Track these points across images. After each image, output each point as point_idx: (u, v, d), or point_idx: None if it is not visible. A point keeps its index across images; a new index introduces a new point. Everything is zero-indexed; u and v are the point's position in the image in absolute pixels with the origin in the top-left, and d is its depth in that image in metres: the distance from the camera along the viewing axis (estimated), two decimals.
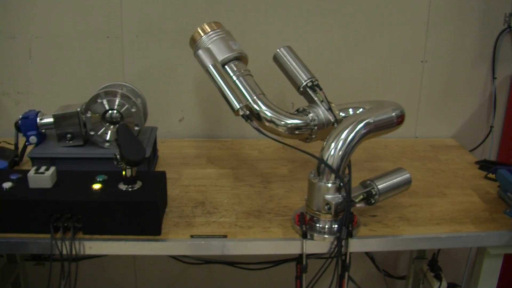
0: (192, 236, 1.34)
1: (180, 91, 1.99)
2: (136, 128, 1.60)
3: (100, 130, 1.60)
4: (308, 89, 1.49)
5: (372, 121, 1.36)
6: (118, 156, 1.33)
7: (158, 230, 1.34)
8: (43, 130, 1.63)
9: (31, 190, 1.33)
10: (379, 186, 1.38)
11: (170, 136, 2.03)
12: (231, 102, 1.41)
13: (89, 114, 1.57)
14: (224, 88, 1.42)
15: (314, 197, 1.34)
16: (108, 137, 1.60)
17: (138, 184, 1.37)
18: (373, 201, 1.38)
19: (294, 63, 1.51)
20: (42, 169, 1.37)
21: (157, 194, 1.33)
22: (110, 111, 1.58)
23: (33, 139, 1.61)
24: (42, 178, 1.34)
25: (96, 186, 1.36)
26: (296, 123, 1.45)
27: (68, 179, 1.39)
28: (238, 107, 1.41)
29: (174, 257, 1.97)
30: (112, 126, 1.60)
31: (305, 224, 1.35)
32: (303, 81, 1.49)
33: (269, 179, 1.68)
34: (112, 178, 1.39)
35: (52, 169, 1.38)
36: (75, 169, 1.52)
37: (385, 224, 1.42)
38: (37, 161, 1.57)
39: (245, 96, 1.45)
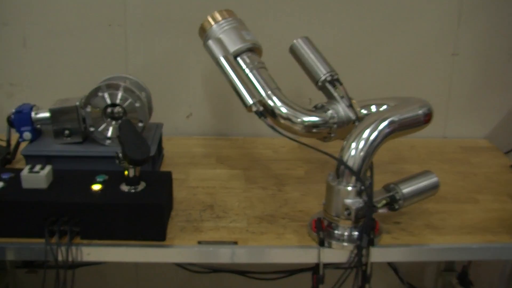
0: (199, 242, 1.35)
1: (188, 85, 2.00)
2: (140, 124, 1.60)
3: (101, 126, 1.61)
4: (327, 84, 1.49)
5: (396, 119, 1.36)
6: (120, 155, 1.33)
7: (163, 236, 1.34)
8: (38, 126, 1.63)
9: (24, 190, 1.33)
10: (404, 191, 1.38)
11: (176, 133, 2.04)
12: (243, 97, 1.42)
13: (89, 109, 1.58)
14: (236, 82, 1.43)
15: (333, 202, 1.34)
16: (109, 134, 1.61)
17: (142, 185, 1.37)
18: (397, 207, 1.38)
19: (312, 55, 1.51)
20: (37, 168, 1.37)
21: (162, 196, 1.34)
22: (112, 106, 1.59)
23: (27, 135, 1.62)
24: (36, 177, 1.34)
25: (96, 186, 1.36)
26: (314, 121, 1.46)
27: (65, 179, 1.39)
28: (251, 102, 1.41)
29: (179, 265, 1.98)
30: (114, 122, 1.61)
31: (322, 231, 1.35)
32: (322, 75, 1.49)
33: (284, 181, 1.69)
34: (113, 179, 1.40)
35: (48, 168, 1.38)
36: (73, 168, 1.52)
37: (410, 232, 1.42)
38: (32, 159, 1.57)
39: (259, 91, 1.46)
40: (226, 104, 2.02)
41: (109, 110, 1.58)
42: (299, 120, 1.45)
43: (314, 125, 1.45)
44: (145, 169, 1.43)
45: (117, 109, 1.58)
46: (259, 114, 1.41)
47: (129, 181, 1.36)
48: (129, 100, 1.57)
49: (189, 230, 1.40)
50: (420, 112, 1.41)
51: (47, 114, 1.61)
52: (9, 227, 1.30)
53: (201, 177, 1.69)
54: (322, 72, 1.49)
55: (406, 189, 1.38)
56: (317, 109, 1.49)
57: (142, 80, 1.70)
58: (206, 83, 1.99)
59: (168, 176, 1.46)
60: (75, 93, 1.66)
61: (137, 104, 1.58)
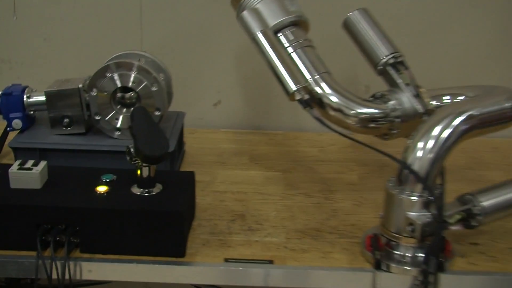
0: (226, 260, 1.35)
1: (216, 66, 2.01)
2: (157, 113, 1.61)
3: (109, 114, 1.62)
4: (389, 68, 1.50)
5: (476, 113, 1.35)
6: (132, 150, 1.34)
7: (182, 250, 1.35)
8: (32, 112, 1.66)
9: (12, 191, 1.35)
10: (484, 203, 1.37)
11: (201, 125, 2.06)
12: (285, 83, 1.42)
13: (94, 93, 1.59)
14: (276, 64, 1.44)
15: (393, 214, 1.35)
16: (119, 124, 1.63)
17: (158, 188, 1.38)
18: (474, 224, 1.38)
19: (371, 32, 1.52)
20: (29, 163, 1.39)
21: (183, 201, 1.35)
22: (122, 90, 1.60)
23: (17, 123, 1.64)
24: (28, 176, 1.36)
25: (101, 188, 1.37)
26: (372, 113, 1.47)
27: (64, 178, 1.41)
28: (294, 89, 1.42)
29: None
30: (124, 110, 1.62)
31: (379, 250, 1.35)
32: (383, 57, 1.50)
33: (332, 187, 1.70)
34: (122, 179, 1.42)
35: (42, 164, 1.40)
36: (73, 165, 1.54)
37: (491, 257, 1.40)
38: (22, 153, 1.60)
39: (304, 75, 1.46)
40: (262, 90, 2.04)
41: (119, 95, 1.60)
42: (352, 112, 1.46)
43: (371, 118, 1.46)
44: (162, 168, 1.44)
45: (129, 94, 1.60)
46: (304, 103, 1.41)
47: (142, 182, 1.37)
48: (144, 83, 1.58)
49: (214, 245, 1.41)
50: (507, 105, 1.40)
51: (42, 98, 1.62)
52: None
53: (230, 179, 1.71)
54: (384, 53, 1.50)
55: (487, 201, 1.38)
56: (375, 98, 1.49)
57: (160, 59, 1.70)
58: (239, 64, 2.01)
59: (189, 177, 1.47)
60: (77, 73, 1.68)
61: (154, 88, 1.59)
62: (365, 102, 1.47)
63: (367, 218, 1.53)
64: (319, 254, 1.39)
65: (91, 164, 1.58)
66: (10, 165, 1.38)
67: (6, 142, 1.68)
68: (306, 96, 1.42)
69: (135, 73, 1.57)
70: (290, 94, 1.42)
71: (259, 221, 1.51)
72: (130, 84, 1.58)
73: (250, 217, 1.53)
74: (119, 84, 1.58)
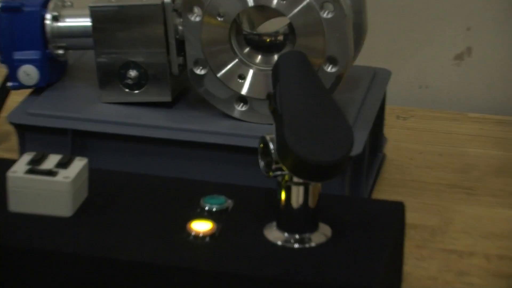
0: None
1: None
2: (331, 68, 1.25)
3: (226, 65, 1.27)
4: None
5: None
6: (272, 147, 0.99)
7: None
8: (60, 51, 1.31)
9: (11, 221, 1.04)
10: None
11: (424, 101, 1.74)
12: None
13: (197, 17, 1.24)
14: None
15: None
16: (245, 89, 1.27)
17: (322, 233, 1.02)
18: None
19: None
20: (50, 161, 1.05)
21: (378, 269, 1.00)
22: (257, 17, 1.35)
23: (29, 72, 1.30)
24: (48, 188, 1.04)
25: (201, 226, 1.03)
26: None
27: (122, 198, 1.11)
28: None
29: None
30: (259, 58, 1.29)
31: None
32: None
33: None
34: (246, 207, 1.09)
35: (79, 164, 1.06)
36: (139, 169, 1.22)
37: None
38: (37, 138, 1.29)
39: None
40: None
41: (247, 29, 1.34)
42: None
43: None
44: (333, 191, 1.19)
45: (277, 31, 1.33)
46: None
47: (290, 219, 1.02)
48: (305, 2, 1.23)
49: None
50: None
51: (84, 22, 1.28)
52: None
53: (484, 226, 1.32)
54: None
55: None
56: None
57: None
58: None
59: (393, 214, 1.12)
60: None
61: (326, 14, 1.23)
62: None
63: None
64: None
65: (179, 171, 1.24)
66: (9, 162, 1.08)
67: (4, 113, 1.36)
68: None
69: None
70: None
71: None
72: (275, 1, 1.22)
73: None
74: (251, 2, 1.22)
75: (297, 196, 0.98)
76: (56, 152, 1.07)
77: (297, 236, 0.99)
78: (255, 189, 1.12)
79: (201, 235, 0.99)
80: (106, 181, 1.13)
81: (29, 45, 1.29)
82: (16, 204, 1.01)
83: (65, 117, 1.27)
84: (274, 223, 1.01)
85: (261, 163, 0.99)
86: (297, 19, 1.22)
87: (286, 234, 0.99)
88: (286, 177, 0.98)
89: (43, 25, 1.29)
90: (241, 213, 1.07)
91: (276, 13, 1.24)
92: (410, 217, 1.16)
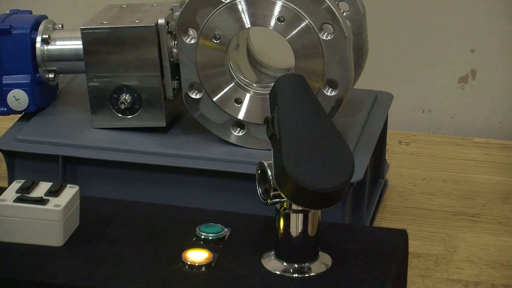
0: None
1: None
2: (331, 92, 1.28)
3: (222, 89, 1.29)
4: None
5: None
6: (269, 173, 1.01)
7: None
8: (50, 75, 1.32)
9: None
10: None
11: (428, 124, 1.77)
12: None
13: (192, 39, 1.27)
14: None
15: None
16: (241, 114, 1.28)
17: (321, 263, 1.04)
18: None
19: None
20: (40, 189, 1.06)
21: None
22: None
23: (18, 97, 1.31)
24: (37, 216, 1.04)
25: (196, 255, 1.02)
26: None
27: (114, 226, 1.11)
28: None
29: None
30: (255, 82, 1.33)
31: None
32: None
33: None
34: (242, 236, 1.09)
35: (71, 192, 1.06)
36: (132, 196, 1.22)
37: None
38: (26, 164, 1.31)
39: None
40: None
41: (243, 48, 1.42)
42: None
43: None
44: (333, 219, 1.20)
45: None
46: None
47: (289, 248, 1.03)
48: (304, 23, 1.25)
49: None
50: None
51: (75, 45, 1.30)
52: None
53: (490, 254, 1.33)
54: None
55: None
56: None
57: None
58: None
59: (395, 243, 1.13)
60: None
61: (326, 36, 1.26)
62: None
63: None
64: None
65: (174, 199, 1.24)
66: None
67: None
68: None
69: (282, 1, 1.27)
70: None
71: None
72: (273, 23, 1.24)
73: None
74: (248, 24, 1.24)
75: (296, 224, 0.98)
76: (46, 179, 1.08)
77: (296, 266, 0.98)
78: (252, 217, 1.12)
79: (197, 264, 0.98)
80: (98, 209, 1.13)
81: (19, 69, 1.30)
82: (5, 233, 1.01)
83: (56, 143, 1.27)
84: (272, 252, 1.00)
85: (259, 190, 1.00)
86: (295, 41, 1.23)
87: (284, 264, 0.99)
88: (285, 205, 0.98)
89: (33, 48, 1.30)
90: (238, 242, 1.07)
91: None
92: (413, 245, 1.21)
